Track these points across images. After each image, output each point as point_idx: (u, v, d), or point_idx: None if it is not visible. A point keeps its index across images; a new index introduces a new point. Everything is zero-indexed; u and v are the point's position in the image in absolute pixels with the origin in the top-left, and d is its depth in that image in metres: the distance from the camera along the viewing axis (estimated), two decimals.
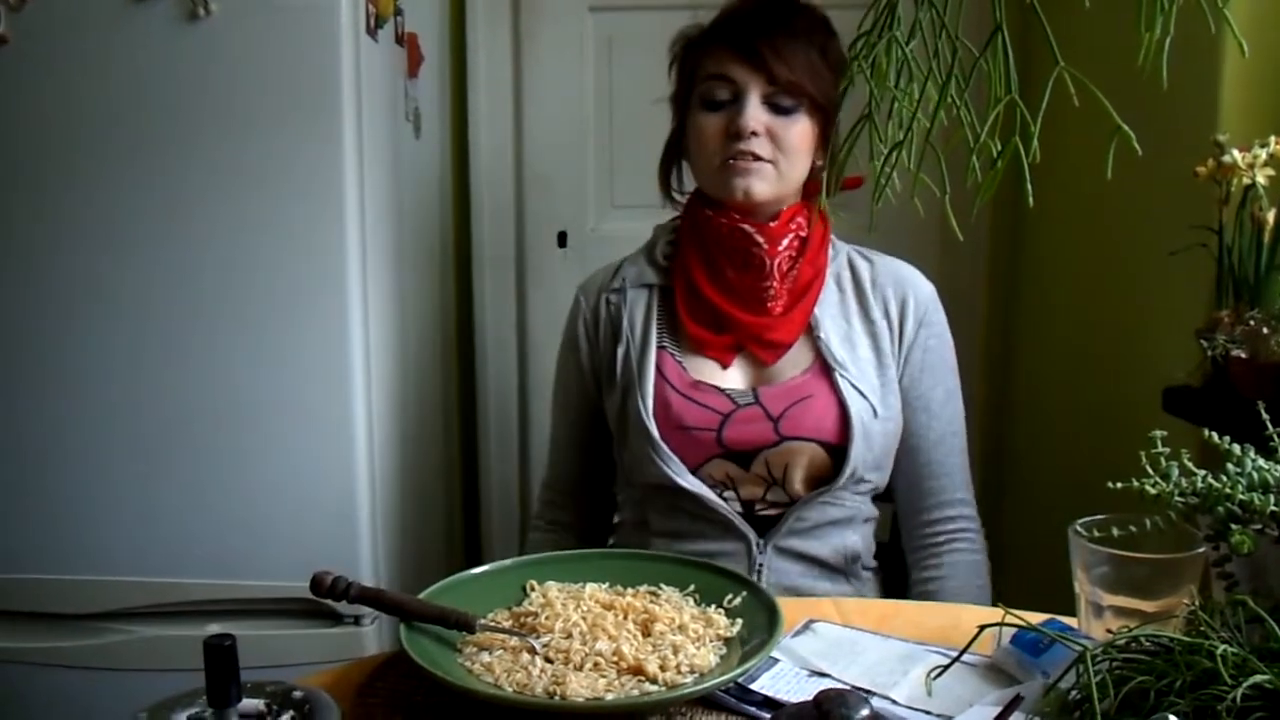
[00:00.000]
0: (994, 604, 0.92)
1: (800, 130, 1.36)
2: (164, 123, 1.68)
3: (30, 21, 1.66)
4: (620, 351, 1.44)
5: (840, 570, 1.41)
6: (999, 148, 0.53)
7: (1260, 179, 1.40)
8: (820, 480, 1.38)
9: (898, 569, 1.52)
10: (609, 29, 2.44)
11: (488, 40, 2.45)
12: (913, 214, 0.67)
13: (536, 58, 2.46)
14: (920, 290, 1.46)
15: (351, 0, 1.66)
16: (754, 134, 1.34)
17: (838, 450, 1.36)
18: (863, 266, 1.47)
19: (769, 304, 1.40)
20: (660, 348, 1.42)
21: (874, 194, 0.58)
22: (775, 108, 1.36)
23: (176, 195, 1.69)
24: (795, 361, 1.40)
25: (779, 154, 1.36)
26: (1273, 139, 1.41)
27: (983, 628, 0.82)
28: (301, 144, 1.68)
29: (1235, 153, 1.42)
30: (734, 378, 1.41)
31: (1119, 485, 0.82)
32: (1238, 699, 0.63)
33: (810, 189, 1.43)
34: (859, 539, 1.42)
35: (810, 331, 1.41)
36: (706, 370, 1.41)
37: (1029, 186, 0.53)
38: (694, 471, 1.37)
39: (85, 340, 1.73)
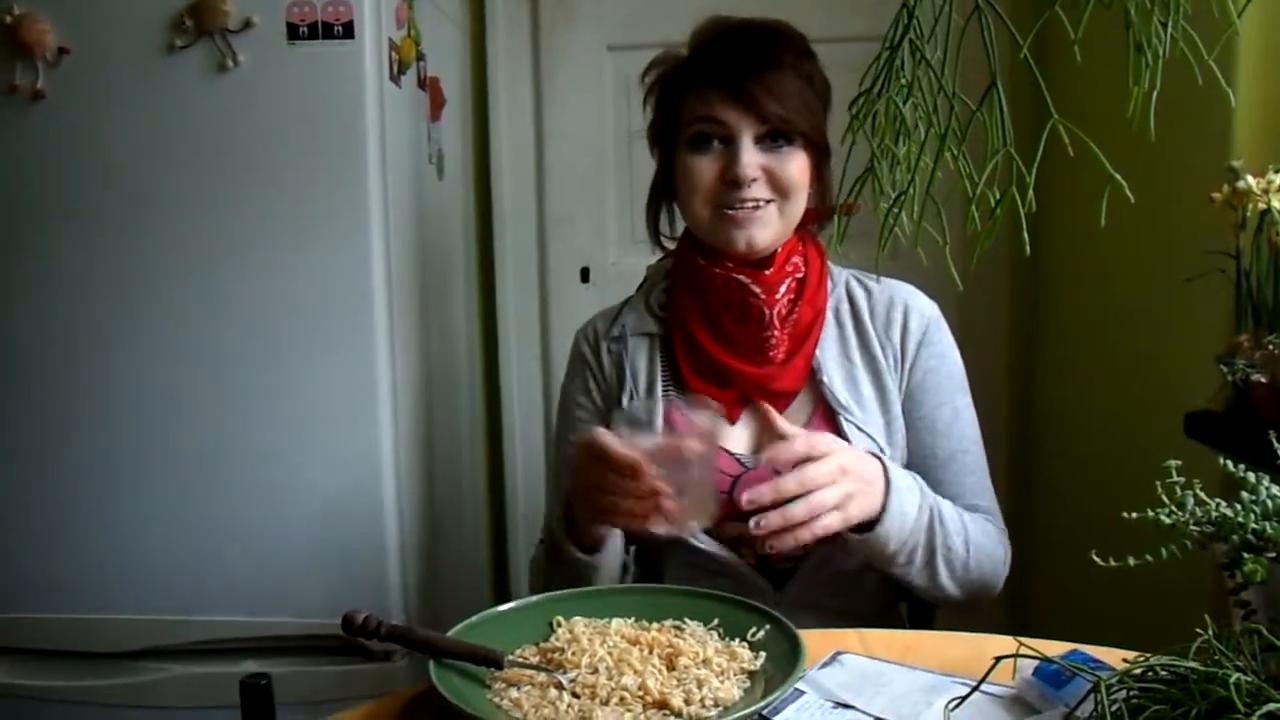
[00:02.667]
0: (1013, 633, 0.92)
1: (797, 165, 1.31)
2: (194, 170, 1.73)
3: (66, 76, 1.71)
4: (625, 399, 1.40)
5: (862, 619, 1.34)
6: (997, 197, 0.55)
7: (1276, 204, 1.41)
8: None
9: (922, 612, 1.51)
10: (627, 68, 2.47)
11: (508, 81, 2.50)
12: (929, 246, 0.68)
13: (556, 97, 2.50)
14: (920, 311, 1.41)
15: (375, 48, 1.71)
16: (753, 180, 1.30)
17: None
18: (860, 296, 1.43)
19: (770, 353, 1.36)
20: (667, 397, 1.39)
21: (880, 243, 0.60)
22: (769, 145, 1.31)
23: (207, 241, 1.74)
24: (800, 409, 1.37)
25: (777, 194, 1.32)
26: None
27: (999, 658, 0.83)
28: (328, 188, 1.72)
29: (1250, 178, 1.43)
30: (740, 433, 1.37)
31: (1134, 515, 0.83)
32: None
33: (804, 220, 1.38)
34: (878, 585, 1.38)
35: (813, 375, 1.37)
36: None
37: (1025, 236, 0.55)
38: (708, 531, 1.32)
39: (118, 381, 1.77)
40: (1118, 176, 0.54)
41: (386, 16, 1.75)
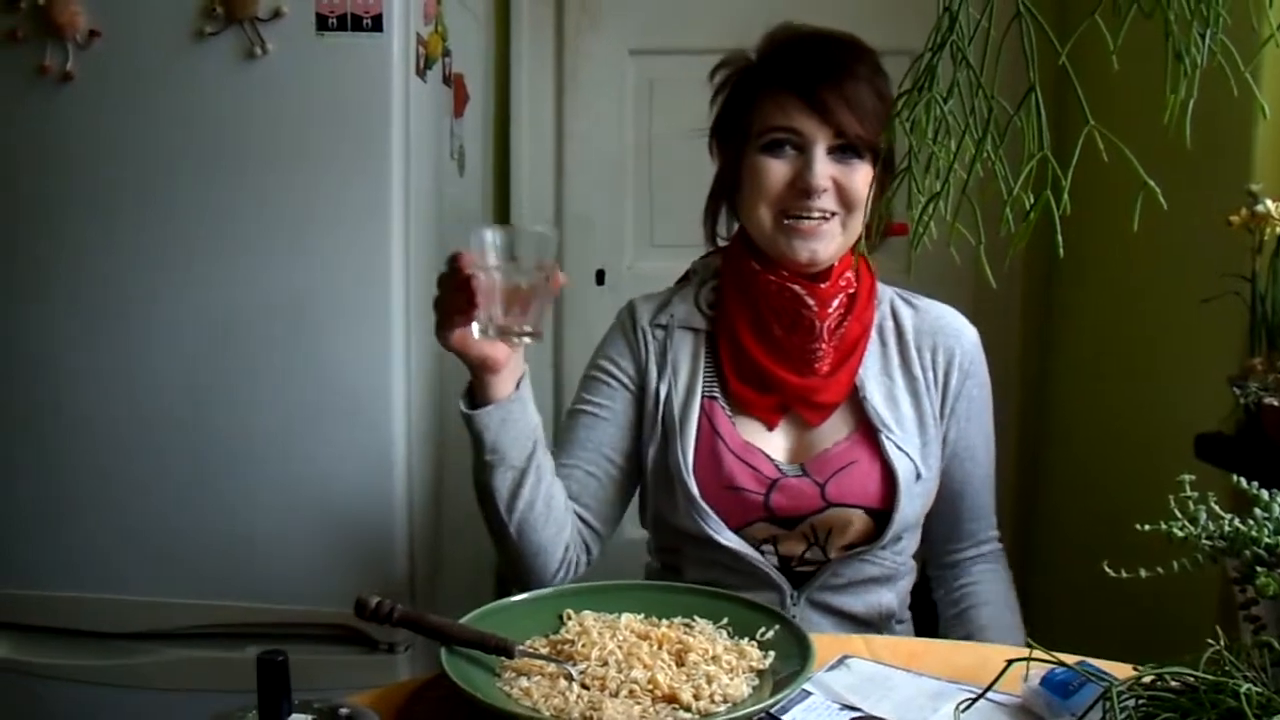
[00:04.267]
0: (1024, 643, 0.93)
1: (864, 178, 1.31)
2: (219, 157, 1.73)
3: (95, 59, 1.72)
4: (664, 390, 1.38)
5: (873, 625, 1.38)
6: (1031, 200, 0.56)
7: None
8: (861, 540, 1.35)
9: (929, 619, 1.53)
10: (650, 72, 2.49)
11: (531, 81, 2.51)
12: (948, 260, 0.69)
13: (578, 99, 2.51)
14: (964, 339, 1.42)
15: (403, 41, 1.72)
16: (823, 191, 1.30)
17: (881, 514, 1.33)
18: (906, 314, 1.43)
19: (816, 364, 1.35)
20: (710, 397, 1.38)
21: (912, 241, 0.61)
22: (839, 156, 1.31)
23: (229, 228, 1.74)
24: (841, 424, 1.36)
25: (843, 207, 1.32)
26: None
27: (1010, 662, 0.83)
28: (351, 180, 1.73)
29: (1269, 202, 1.43)
30: (778, 439, 1.37)
31: (1147, 527, 0.83)
32: None
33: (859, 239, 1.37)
34: (894, 597, 1.40)
35: (854, 391, 1.37)
36: (751, 429, 1.36)
37: (1059, 239, 0.56)
38: (737, 530, 1.33)
39: (135, 363, 1.78)
40: (1151, 182, 0.55)
41: (415, 11, 1.76)
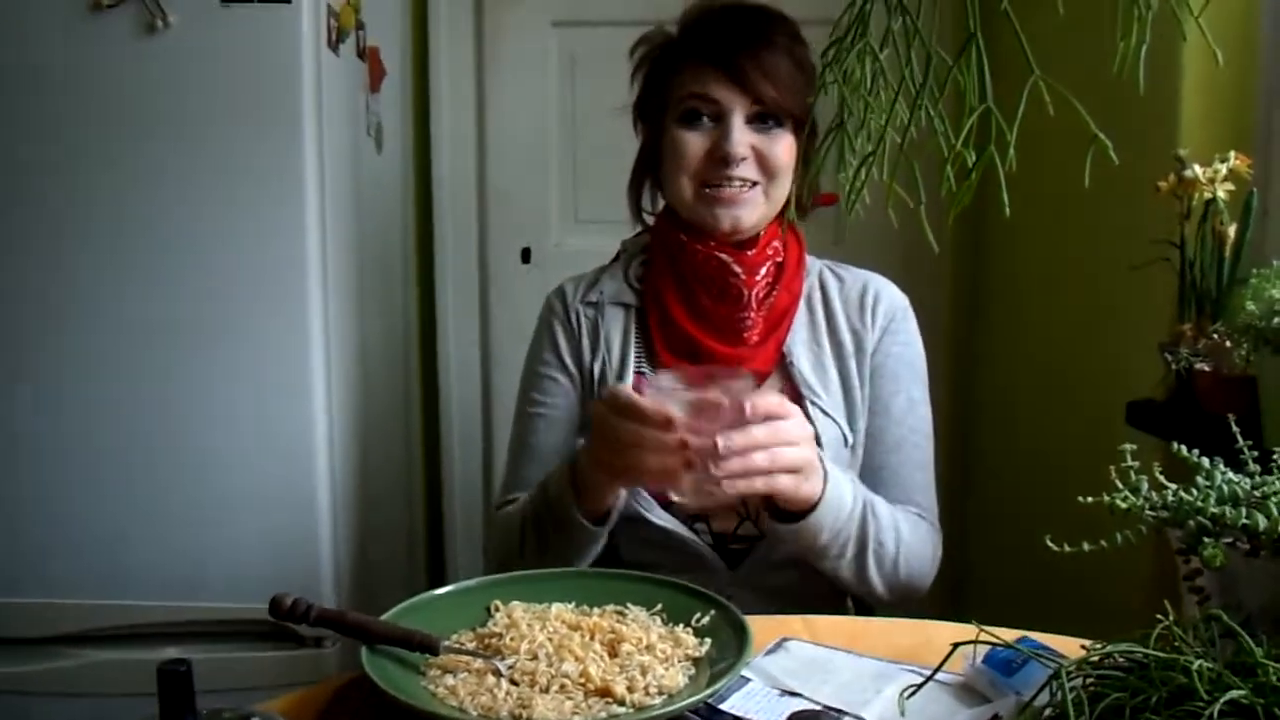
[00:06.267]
0: (964, 620, 0.91)
1: (785, 146, 1.32)
2: (123, 135, 1.66)
3: None
4: (597, 368, 1.39)
5: (811, 606, 1.36)
6: (974, 158, 0.52)
7: (1221, 194, 1.42)
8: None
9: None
10: (572, 44, 2.44)
11: (450, 55, 2.44)
12: (875, 227, 0.66)
13: (499, 73, 2.46)
14: (889, 299, 1.42)
15: (313, 13, 1.65)
16: (742, 159, 1.31)
17: None
18: (833, 285, 1.43)
19: (745, 334, 1.36)
20: (639, 372, 1.38)
21: (846, 206, 0.58)
22: (759, 125, 1.32)
23: (134, 208, 1.67)
24: (768, 391, 1.34)
25: (764, 176, 1.32)
26: (1232, 154, 1.42)
27: (956, 645, 0.81)
28: (262, 157, 1.67)
29: (1196, 167, 1.43)
30: None
31: (1090, 500, 0.81)
32: (1214, 715, 0.63)
33: (785, 207, 1.38)
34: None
35: (782, 359, 1.37)
36: None
37: (1005, 197, 0.53)
38: (666, 506, 1.32)
39: (35, 355, 1.70)
40: (1102, 135, 0.52)
41: None
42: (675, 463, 1.09)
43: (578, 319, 1.43)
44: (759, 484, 1.11)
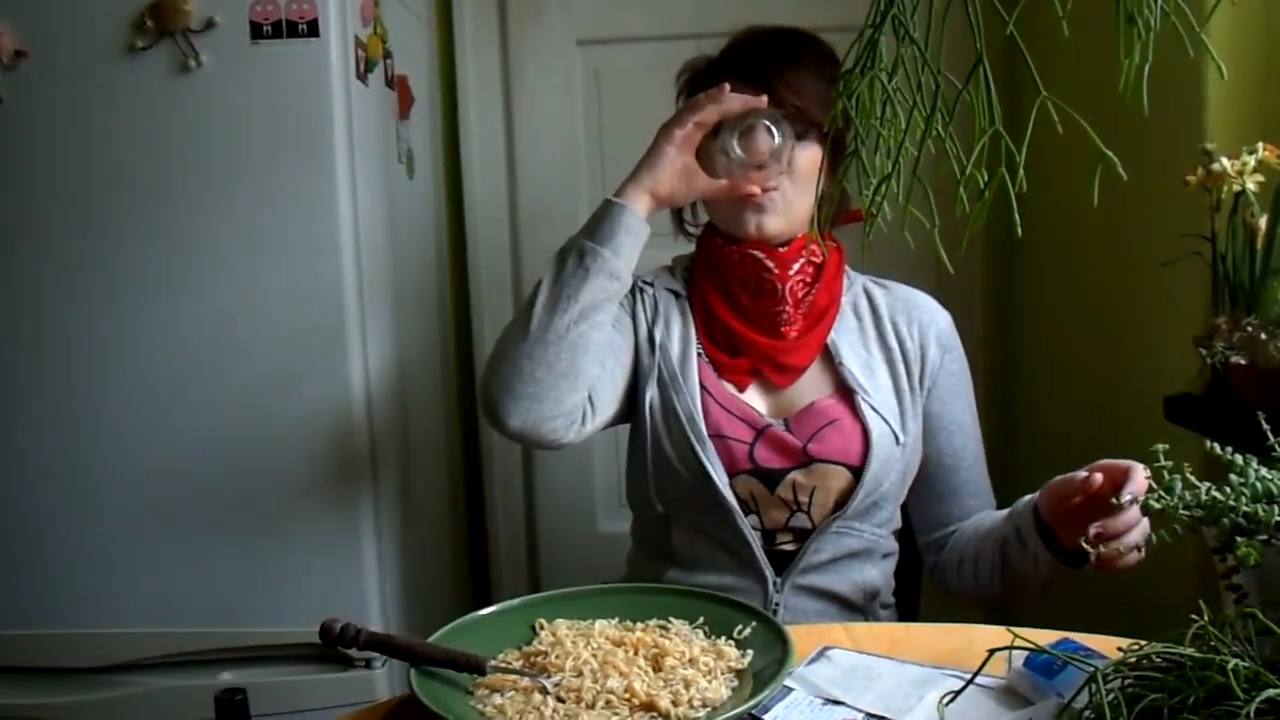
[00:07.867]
0: (1003, 624, 0.91)
1: (809, 157, 1.38)
2: (159, 174, 1.69)
3: (23, 80, 1.67)
4: (658, 336, 1.44)
5: (859, 608, 1.41)
6: (985, 179, 0.53)
7: (1250, 185, 1.41)
8: (843, 503, 1.38)
9: (912, 606, 1.52)
10: (596, 62, 2.46)
11: (477, 78, 2.46)
12: (906, 246, 0.67)
13: (526, 93, 2.47)
14: (940, 318, 1.49)
15: (341, 45, 1.68)
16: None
17: (862, 473, 1.37)
18: (879, 295, 1.50)
19: (783, 328, 1.42)
20: (698, 354, 1.44)
21: (865, 226, 0.59)
22: None
23: (173, 245, 1.70)
24: (816, 387, 1.42)
25: (788, 182, 1.37)
26: (1260, 145, 1.41)
27: (993, 651, 0.82)
28: (296, 190, 1.69)
29: (1224, 160, 1.42)
30: (753, 401, 1.42)
31: (1126, 500, 0.82)
32: (1251, 714, 0.63)
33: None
34: (878, 574, 1.43)
35: (830, 358, 1.43)
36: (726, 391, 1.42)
37: (1016, 218, 0.54)
38: (734, 479, 1.37)
39: (85, 392, 1.73)
40: (1109, 153, 0.53)
41: (352, 14, 1.72)
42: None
43: (643, 291, 1.49)
44: (1132, 559, 1.10)
